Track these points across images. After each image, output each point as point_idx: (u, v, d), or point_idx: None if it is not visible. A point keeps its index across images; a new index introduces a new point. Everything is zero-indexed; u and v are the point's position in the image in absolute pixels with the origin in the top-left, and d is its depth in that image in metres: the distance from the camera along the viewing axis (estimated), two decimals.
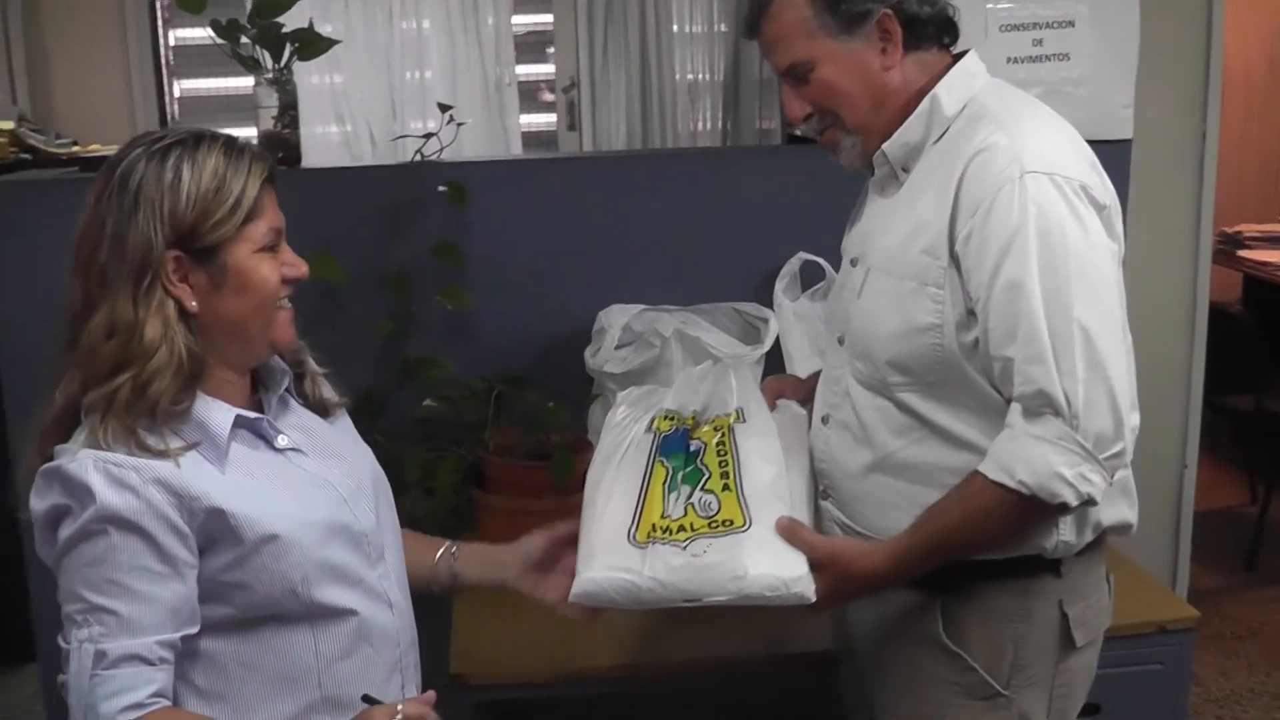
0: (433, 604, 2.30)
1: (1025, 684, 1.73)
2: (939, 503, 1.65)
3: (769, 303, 2.55)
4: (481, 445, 2.39)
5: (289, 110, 2.56)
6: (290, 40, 2.49)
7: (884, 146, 1.73)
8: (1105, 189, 1.66)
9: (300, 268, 1.52)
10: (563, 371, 2.51)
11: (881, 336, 1.69)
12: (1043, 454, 1.57)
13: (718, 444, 1.78)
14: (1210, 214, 2.87)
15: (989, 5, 2.61)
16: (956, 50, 1.79)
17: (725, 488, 1.75)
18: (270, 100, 2.52)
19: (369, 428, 2.47)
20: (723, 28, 5.50)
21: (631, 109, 5.42)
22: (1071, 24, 2.65)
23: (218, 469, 1.42)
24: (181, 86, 5.59)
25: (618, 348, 2.45)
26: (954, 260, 1.62)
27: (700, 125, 5.53)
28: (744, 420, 1.81)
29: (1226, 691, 3.69)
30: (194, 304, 1.43)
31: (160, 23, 4.84)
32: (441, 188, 2.47)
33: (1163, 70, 2.80)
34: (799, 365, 2.54)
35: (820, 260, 2.59)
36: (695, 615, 2.02)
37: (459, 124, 2.52)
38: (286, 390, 1.58)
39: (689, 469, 1.76)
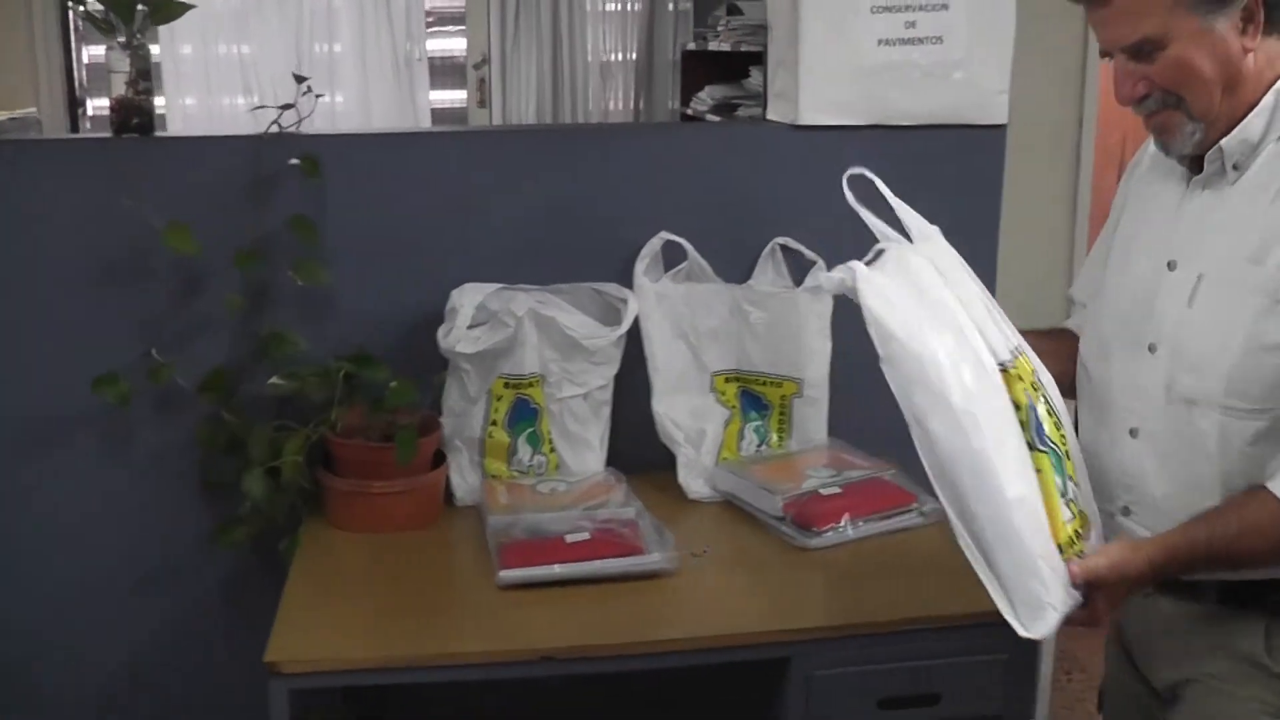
0: (259, 591, 2.27)
1: None
2: (1216, 513, 1.61)
3: (629, 283, 2.50)
4: (329, 425, 2.33)
5: (143, 77, 2.48)
6: (143, 3, 2.40)
7: (1223, 142, 1.63)
8: None
9: None
10: (418, 351, 2.45)
11: (1220, 352, 1.61)
12: None
13: (1046, 410, 1.65)
14: (1087, 199, 2.86)
15: None
16: None
17: (1076, 469, 1.68)
18: (122, 65, 2.44)
19: (218, 405, 2.43)
20: (636, 6, 5.48)
21: (543, 86, 5.39)
22: (945, 7, 2.61)
23: None
24: (90, 53, 5.49)
25: (471, 327, 2.40)
26: None
27: (613, 104, 5.52)
28: (1028, 356, 1.69)
29: None
30: None
31: None
32: (294, 161, 2.40)
33: (1040, 56, 2.77)
34: (658, 346, 2.50)
35: (682, 241, 2.55)
36: (545, 600, 2.02)
37: (318, 95, 2.45)
38: None
39: (1055, 454, 1.64)
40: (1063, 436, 1.66)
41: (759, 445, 2.57)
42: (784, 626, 2.01)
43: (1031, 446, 1.61)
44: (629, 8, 5.48)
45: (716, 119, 4.34)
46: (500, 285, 2.45)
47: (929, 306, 1.62)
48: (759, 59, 2.81)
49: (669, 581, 2.12)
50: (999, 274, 2.75)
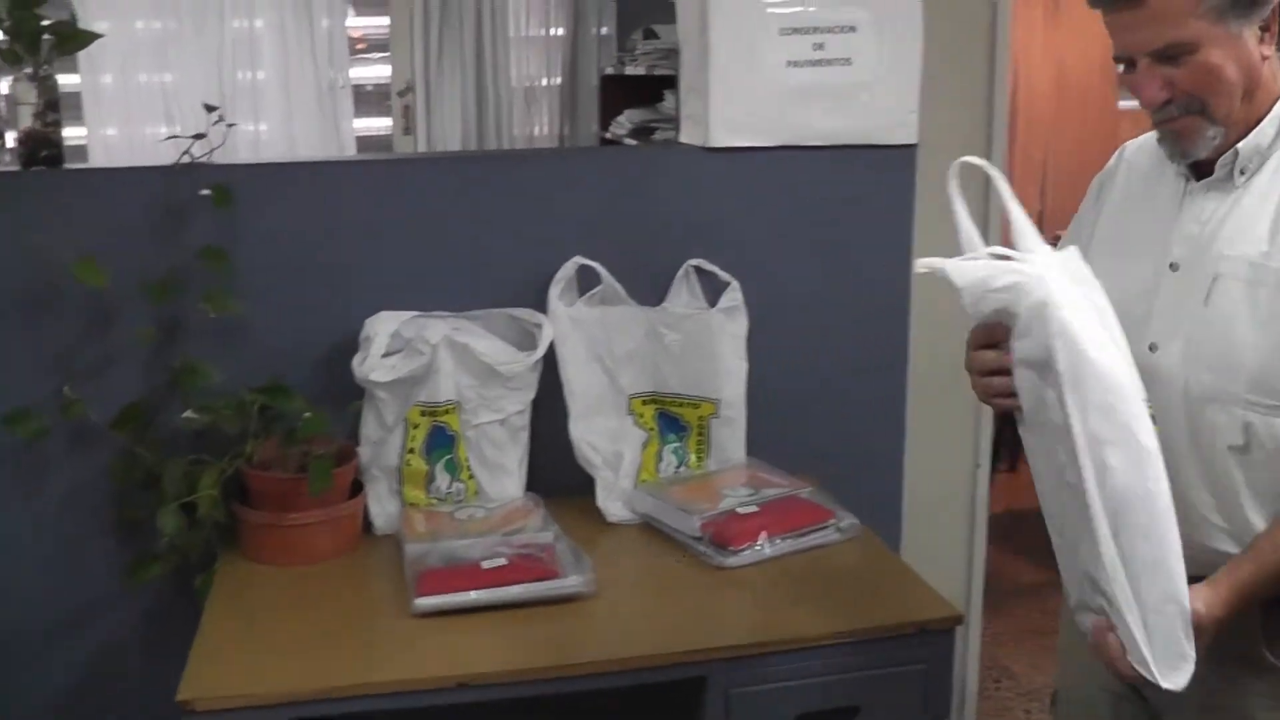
0: (175, 627, 2.25)
1: None
2: (1268, 536, 1.62)
3: (545, 308, 2.51)
4: (244, 458, 2.32)
5: (51, 108, 2.46)
6: (49, 33, 2.39)
7: (1240, 145, 1.66)
8: None
9: None
10: (334, 380, 2.45)
11: (1245, 349, 1.62)
12: None
13: None
14: (999, 219, 2.89)
15: (769, 9, 2.59)
16: None
17: None
18: (29, 97, 2.43)
19: (132, 440, 2.41)
20: (559, 31, 5.48)
21: (467, 113, 5.38)
22: (853, 29, 2.64)
23: None
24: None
25: (386, 355, 2.40)
26: None
27: (538, 129, 5.52)
28: None
29: (1037, 685, 3.75)
30: None
31: None
32: (205, 191, 2.39)
33: (949, 76, 2.80)
34: (574, 371, 2.51)
35: (596, 265, 2.56)
36: (462, 627, 2.02)
37: (229, 125, 2.44)
38: None
39: None
40: None
41: (677, 466, 2.58)
42: (701, 646, 2.02)
43: None
44: (552, 32, 5.49)
45: (634, 142, 4.37)
46: (415, 313, 2.45)
47: (1108, 329, 1.55)
48: (674, 82, 2.83)
49: (586, 604, 2.12)
50: (914, 282, 2.79)
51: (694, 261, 2.63)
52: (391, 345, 2.41)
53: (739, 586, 2.22)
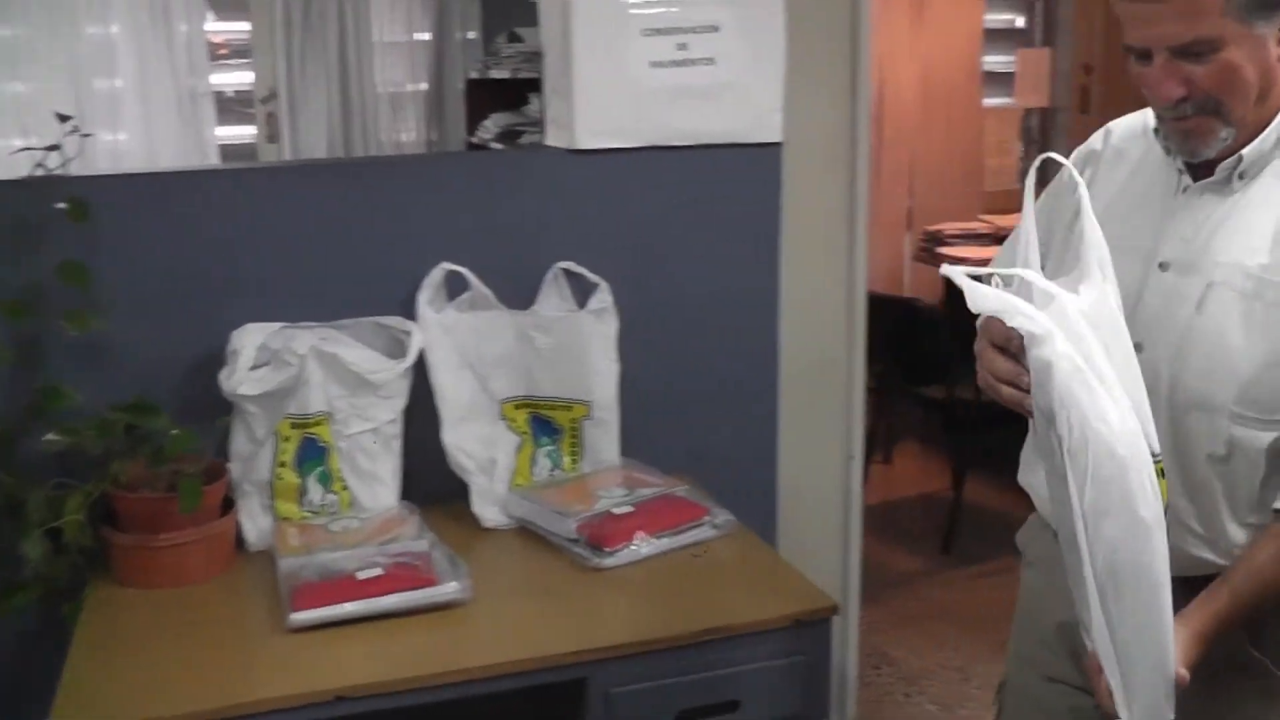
0: (44, 657, 2.20)
1: None
2: (1252, 560, 1.62)
3: (414, 315, 2.49)
4: (110, 480, 2.27)
5: None
6: None
7: (1245, 150, 1.63)
8: None
9: None
10: (202, 396, 2.41)
11: (1238, 360, 1.60)
12: None
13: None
14: (864, 214, 2.93)
15: (631, 10, 2.60)
16: None
17: None
18: None
19: None
20: (424, 36, 5.46)
21: (332, 119, 5.33)
22: (716, 29, 2.67)
23: None
24: None
25: (254, 368, 2.36)
26: None
27: (405, 135, 5.48)
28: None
29: (915, 670, 3.83)
30: None
31: None
32: (60, 204, 2.33)
33: (812, 75, 2.84)
34: (444, 377, 2.50)
35: (464, 270, 2.55)
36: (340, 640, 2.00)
37: (84, 135, 2.38)
38: None
39: None
40: None
41: (551, 470, 2.59)
42: (580, 647, 2.03)
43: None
44: (416, 37, 5.46)
45: (500, 146, 4.37)
46: (282, 324, 2.42)
47: (1126, 373, 1.49)
48: (539, 85, 2.83)
49: (464, 611, 2.12)
50: (783, 278, 2.83)
51: (563, 264, 2.63)
52: (259, 358, 2.37)
53: (617, 587, 2.24)
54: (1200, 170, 1.69)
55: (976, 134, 6.44)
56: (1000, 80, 6.68)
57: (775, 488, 2.95)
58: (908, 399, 5.22)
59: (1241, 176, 1.65)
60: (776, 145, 2.79)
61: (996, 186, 6.53)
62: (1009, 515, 2.21)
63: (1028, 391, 1.51)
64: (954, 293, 1.50)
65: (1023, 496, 1.94)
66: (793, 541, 2.93)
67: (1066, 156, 1.72)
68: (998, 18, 6.65)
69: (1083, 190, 1.58)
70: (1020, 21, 6.78)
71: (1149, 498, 1.44)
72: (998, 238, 5.58)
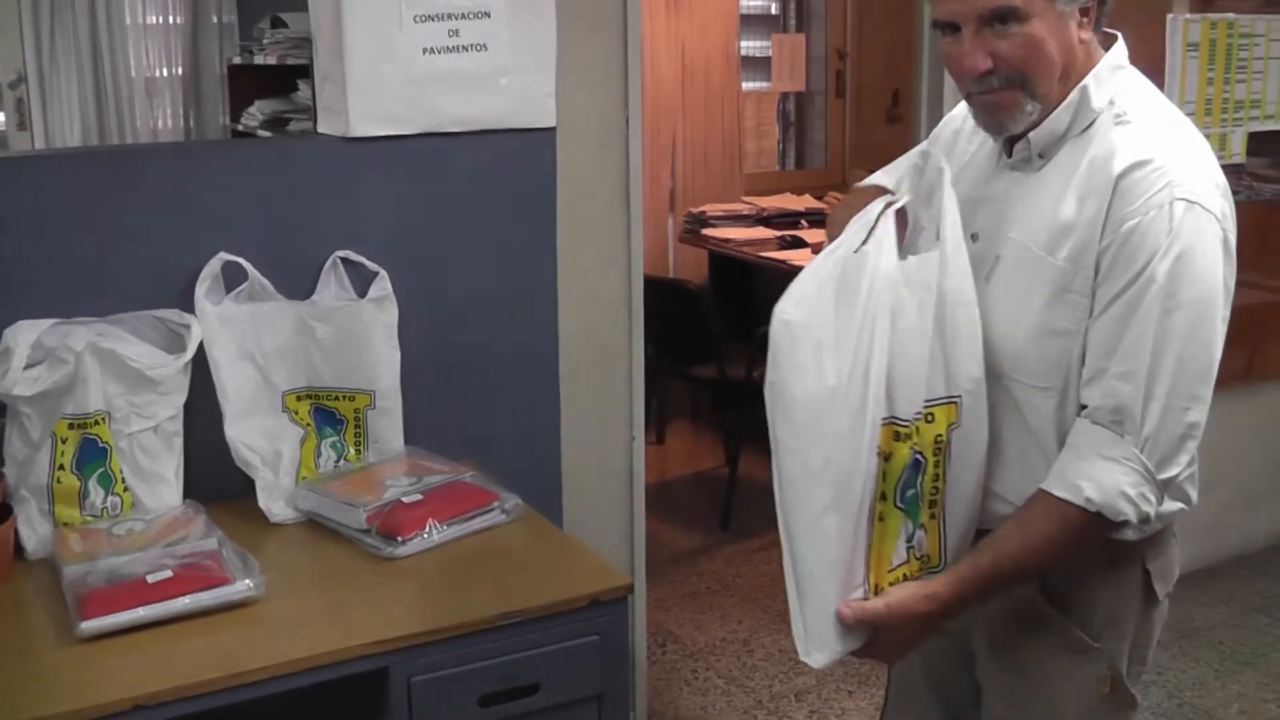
0: None
1: (1114, 636, 1.82)
2: (999, 532, 1.70)
3: (192, 308, 2.44)
4: None
5: None
6: None
7: (1031, 134, 1.70)
8: (1233, 224, 1.66)
9: None
10: None
11: (1012, 330, 1.71)
12: (1110, 472, 1.62)
13: (935, 461, 1.71)
14: (639, 189, 2.99)
15: None
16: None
17: (932, 516, 1.74)
18: None
19: None
20: (178, 20, 5.30)
21: (85, 106, 5.13)
22: (487, 15, 2.68)
23: None
24: None
25: (27, 368, 2.28)
26: (1095, 270, 1.63)
27: (161, 122, 5.32)
28: (960, 423, 1.71)
29: (701, 645, 3.91)
30: None
31: None
32: None
33: (585, 61, 2.87)
34: (225, 370, 2.45)
35: (241, 261, 2.50)
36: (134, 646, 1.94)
37: None
38: None
39: (911, 511, 1.72)
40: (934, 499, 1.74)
41: (337, 461, 2.57)
42: (377, 638, 2.02)
43: (884, 497, 1.69)
44: (171, 21, 5.29)
45: (268, 134, 4.28)
46: (56, 320, 2.34)
47: (853, 334, 1.64)
48: (306, 72, 2.79)
49: (259, 608, 2.09)
50: (560, 261, 2.86)
51: (341, 253, 2.61)
52: (33, 356, 2.29)
53: (411, 576, 2.24)
54: (1008, 150, 1.79)
55: (735, 117, 6.59)
56: (758, 65, 6.84)
57: (559, 471, 2.98)
58: (678, 379, 5.31)
59: (1042, 156, 1.74)
60: (551, 130, 2.82)
61: (756, 168, 6.70)
62: None
63: None
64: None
65: None
66: (577, 523, 2.97)
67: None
68: (753, 3, 6.82)
69: (945, 166, 1.73)
70: (774, 8, 6.96)
71: (822, 449, 1.64)
72: (760, 219, 5.74)
